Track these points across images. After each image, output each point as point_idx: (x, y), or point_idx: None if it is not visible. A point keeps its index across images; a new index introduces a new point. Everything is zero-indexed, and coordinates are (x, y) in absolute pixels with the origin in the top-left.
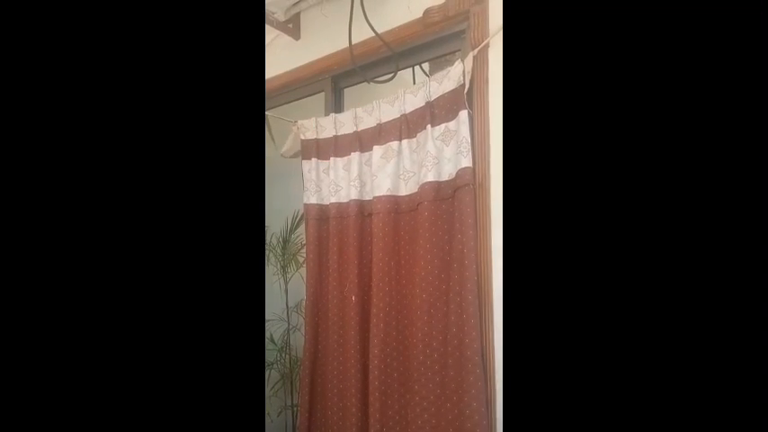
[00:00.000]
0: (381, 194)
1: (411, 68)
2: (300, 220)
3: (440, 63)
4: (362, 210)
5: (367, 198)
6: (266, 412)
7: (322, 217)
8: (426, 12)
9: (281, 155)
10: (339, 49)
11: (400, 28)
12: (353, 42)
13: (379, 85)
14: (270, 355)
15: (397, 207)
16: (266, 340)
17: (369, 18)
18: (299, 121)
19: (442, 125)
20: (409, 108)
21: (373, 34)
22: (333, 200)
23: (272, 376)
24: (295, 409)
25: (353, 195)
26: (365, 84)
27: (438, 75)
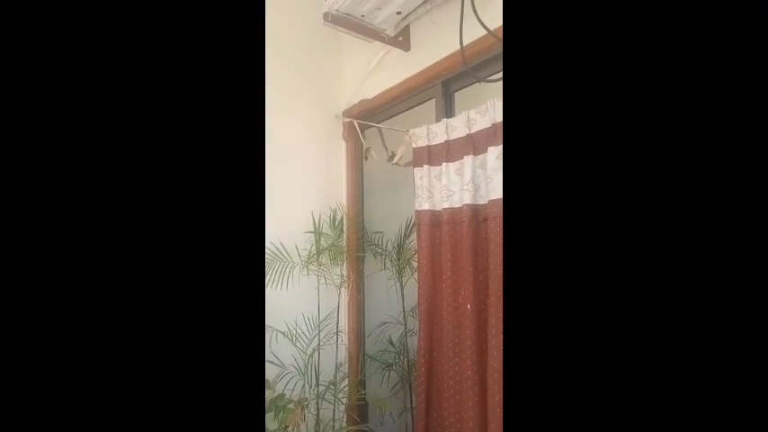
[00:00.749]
0: (498, 197)
1: None
2: (413, 226)
3: None
4: (477, 214)
5: (481, 202)
6: (388, 412)
7: (434, 223)
8: None
9: (392, 163)
10: (448, 53)
11: None
12: (464, 44)
13: (489, 84)
14: (389, 356)
15: None
16: (385, 342)
17: (479, 16)
18: (411, 130)
19: None
20: None
21: (483, 33)
22: (445, 205)
23: (391, 377)
24: (414, 411)
25: (467, 200)
26: (475, 87)
27: None
